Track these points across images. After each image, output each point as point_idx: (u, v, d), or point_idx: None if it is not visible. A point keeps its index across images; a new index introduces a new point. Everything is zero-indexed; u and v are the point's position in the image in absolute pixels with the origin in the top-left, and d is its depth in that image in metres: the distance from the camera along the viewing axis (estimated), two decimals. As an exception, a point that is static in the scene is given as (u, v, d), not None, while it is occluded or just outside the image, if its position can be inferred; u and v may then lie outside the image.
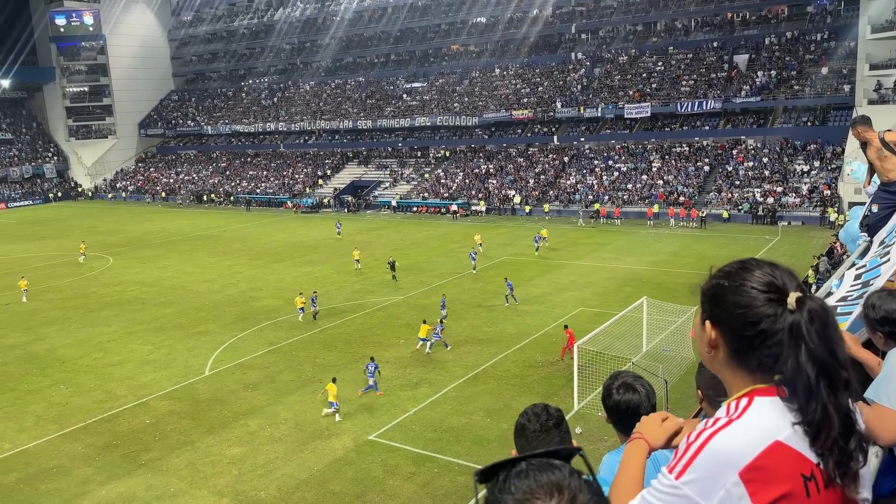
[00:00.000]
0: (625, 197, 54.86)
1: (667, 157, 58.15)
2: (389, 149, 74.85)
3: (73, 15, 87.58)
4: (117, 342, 27.78)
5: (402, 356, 24.52)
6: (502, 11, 73.13)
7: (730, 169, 54.41)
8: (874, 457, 2.18)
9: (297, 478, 16.62)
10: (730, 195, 51.37)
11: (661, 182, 55.33)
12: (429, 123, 72.11)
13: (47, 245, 52.70)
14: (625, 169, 58.46)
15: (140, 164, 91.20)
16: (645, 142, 60.65)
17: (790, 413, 1.51)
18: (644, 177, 56.69)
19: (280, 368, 23.98)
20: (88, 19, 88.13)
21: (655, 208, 51.11)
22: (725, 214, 49.31)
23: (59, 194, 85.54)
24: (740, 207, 49.76)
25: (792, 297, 1.51)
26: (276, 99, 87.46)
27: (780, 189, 50.14)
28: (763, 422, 1.50)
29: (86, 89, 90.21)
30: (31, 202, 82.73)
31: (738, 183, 52.55)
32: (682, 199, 52.13)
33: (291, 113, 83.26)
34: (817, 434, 1.48)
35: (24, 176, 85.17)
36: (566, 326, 24.12)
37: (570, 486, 1.23)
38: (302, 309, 29.23)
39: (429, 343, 24.75)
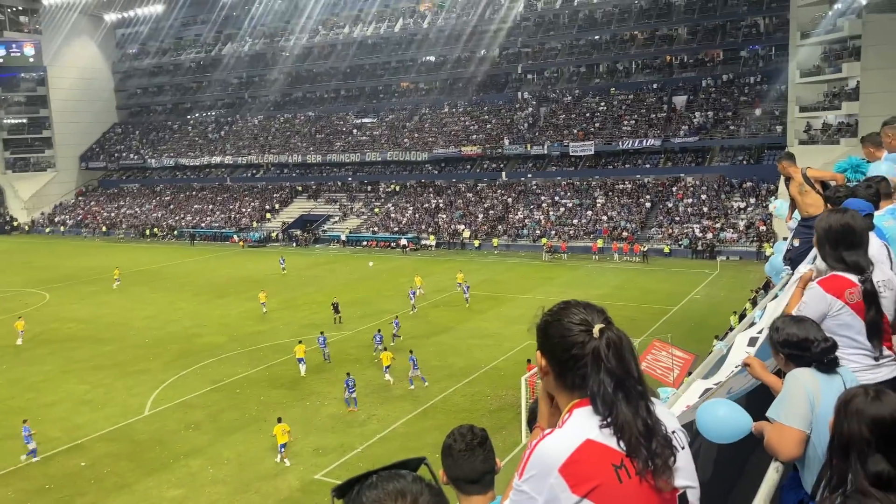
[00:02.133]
0: (571, 232, 55.96)
1: (610, 193, 59.72)
2: (339, 183, 74.78)
3: (13, 46, 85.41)
4: (52, 381, 26.67)
5: (350, 392, 24.21)
6: (451, 51, 74.55)
7: (670, 205, 56.20)
8: (774, 471, 2.34)
9: (241, 520, 16.16)
10: (670, 230, 52.97)
11: (605, 217, 56.71)
12: (379, 158, 72.48)
13: (-22, 281, 50.43)
14: (570, 205, 59.74)
15: (80, 198, 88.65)
16: (589, 178, 62.21)
17: (597, 417, 1.81)
18: (589, 212, 58.01)
19: (223, 407, 23.39)
20: (29, 50, 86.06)
21: (600, 243, 52.29)
22: (667, 249, 50.77)
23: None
24: (680, 242, 51.33)
25: (596, 329, 1.86)
26: (223, 132, 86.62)
27: (718, 225, 51.98)
28: (577, 426, 1.81)
29: (24, 121, 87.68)
30: (-39, 236, 79.23)
31: (678, 219, 54.27)
32: (625, 234, 53.49)
33: (238, 146, 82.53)
34: (622, 436, 1.77)
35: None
36: (529, 361, 23.34)
37: (413, 490, 1.42)
38: (302, 360, 26.19)
39: (411, 372, 24.78)
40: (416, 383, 24.66)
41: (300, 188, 76.30)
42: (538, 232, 56.94)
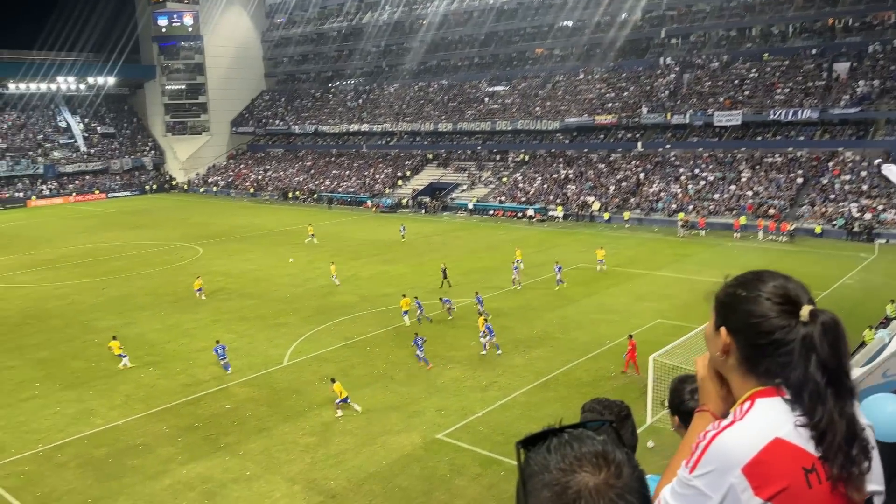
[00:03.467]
0: (710, 207, 53.11)
1: (757, 167, 55.90)
2: (469, 151, 75.21)
3: (175, 16, 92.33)
4: (203, 329, 29.06)
5: (473, 358, 24.60)
6: (590, 15, 72.20)
7: (825, 182, 51.78)
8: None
9: (366, 470, 16.96)
10: (823, 209, 48.88)
11: (749, 193, 53.24)
12: (509, 127, 72.02)
13: (142, 234, 55.73)
14: (712, 178, 56.60)
15: (231, 161, 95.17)
16: (735, 150, 58.55)
17: (792, 413, 1.61)
18: (732, 187, 54.71)
19: (354, 363, 24.51)
20: (188, 20, 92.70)
21: (743, 220, 49.23)
22: (818, 229, 46.94)
23: (155, 186, 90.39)
24: (834, 222, 47.28)
25: (805, 310, 1.63)
26: (361, 101, 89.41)
27: (879, 205, 47.36)
28: (764, 421, 1.61)
29: (183, 87, 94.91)
30: (128, 193, 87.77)
31: (833, 197, 49.94)
32: (772, 211, 49.99)
33: (375, 114, 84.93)
34: (822, 437, 1.57)
35: (124, 168, 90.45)
36: (630, 336, 23.44)
37: (616, 458, 1.25)
38: (406, 312, 28.81)
39: (485, 342, 25.09)
40: (491, 350, 24.98)
41: (431, 156, 77.52)
42: (674, 206, 54.52)
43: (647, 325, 27.67)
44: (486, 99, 77.66)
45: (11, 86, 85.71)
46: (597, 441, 1.27)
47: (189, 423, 20.08)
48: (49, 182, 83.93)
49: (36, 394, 22.57)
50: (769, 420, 1.61)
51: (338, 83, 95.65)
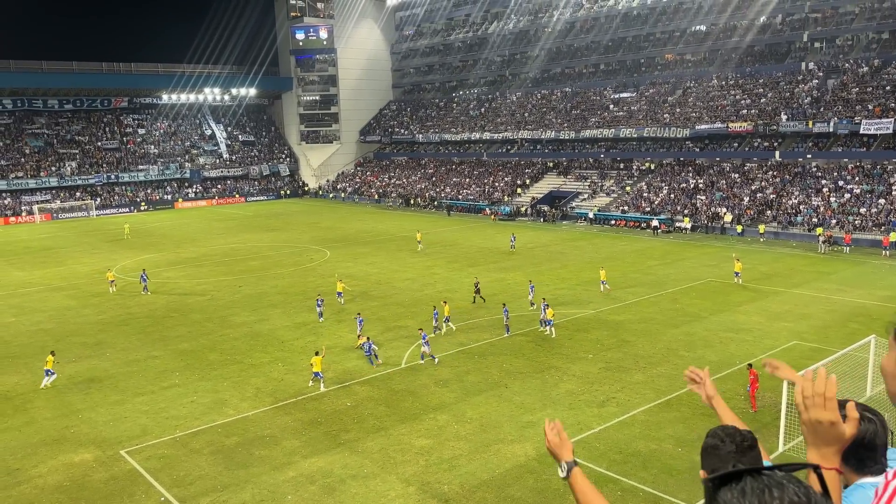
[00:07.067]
0: (856, 222, 49.06)
1: (912, 179, 51.08)
2: (591, 160, 73.82)
3: (311, 30, 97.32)
4: (329, 328, 30.29)
5: (590, 371, 24.04)
6: (724, 18, 69.00)
7: None
8: None
9: (479, 477, 16.96)
10: None
11: (902, 207, 48.74)
12: (635, 135, 70.03)
13: (277, 236, 58.97)
14: (858, 191, 52.30)
15: (358, 168, 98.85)
16: (885, 161, 53.82)
17: None
18: (881, 201, 50.29)
19: (468, 369, 24.63)
20: (324, 34, 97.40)
21: (893, 237, 45.12)
22: None
23: (289, 192, 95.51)
24: None
25: None
26: (483, 109, 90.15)
27: None
28: None
29: (317, 98, 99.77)
30: (265, 197, 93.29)
31: None
32: (928, 228, 45.47)
33: (496, 123, 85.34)
34: None
35: (262, 174, 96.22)
36: (750, 366, 21.51)
37: None
38: (550, 321, 28.49)
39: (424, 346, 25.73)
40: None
41: (551, 164, 76.80)
42: (815, 220, 50.83)
43: (781, 346, 25.95)
44: (611, 106, 75.98)
45: (165, 96, 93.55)
46: (801, 490, 1.15)
47: (312, 417, 20.94)
48: (194, 186, 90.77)
49: (176, 383, 24.38)
50: None
51: (461, 92, 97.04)
